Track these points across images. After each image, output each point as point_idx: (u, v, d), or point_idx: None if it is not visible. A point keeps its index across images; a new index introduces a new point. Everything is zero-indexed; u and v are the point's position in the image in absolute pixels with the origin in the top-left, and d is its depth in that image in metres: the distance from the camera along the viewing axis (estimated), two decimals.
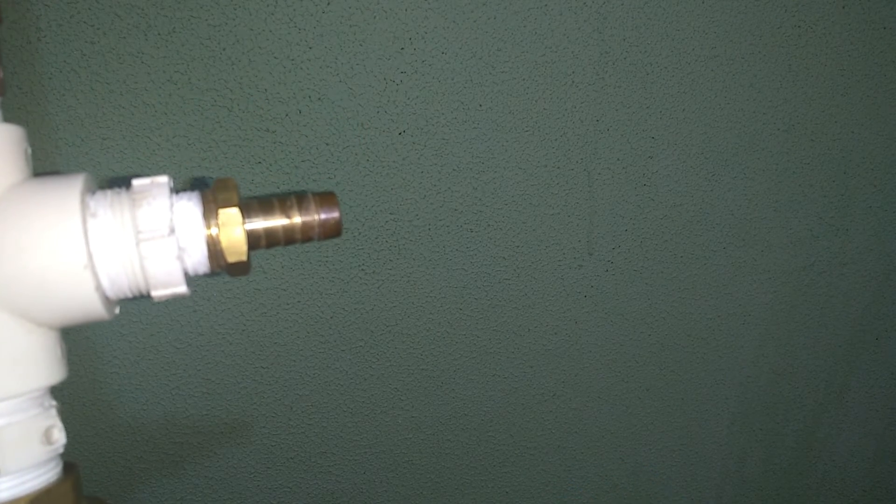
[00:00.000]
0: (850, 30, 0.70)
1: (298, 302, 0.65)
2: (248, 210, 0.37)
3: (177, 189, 0.37)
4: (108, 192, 0.35)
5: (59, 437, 0.35)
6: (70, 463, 0.37)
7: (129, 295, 0.35)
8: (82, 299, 0.33)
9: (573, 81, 0.65)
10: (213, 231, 0.35)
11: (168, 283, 0.35)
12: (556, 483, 0.81)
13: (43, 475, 0.35)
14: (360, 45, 0.59)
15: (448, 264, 0.68)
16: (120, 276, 0.34)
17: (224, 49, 0.56)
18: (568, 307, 0.73)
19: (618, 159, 0.69)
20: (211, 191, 0.36)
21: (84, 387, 0.62)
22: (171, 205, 0.35)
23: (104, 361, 0.62)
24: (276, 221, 0.37)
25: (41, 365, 0.34)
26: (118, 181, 0.39)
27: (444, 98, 0.62)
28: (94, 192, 0.35)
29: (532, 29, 0.62)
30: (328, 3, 0.57)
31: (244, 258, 0.36)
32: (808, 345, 0.83)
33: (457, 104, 0.63)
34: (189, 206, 0.35)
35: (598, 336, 0.76)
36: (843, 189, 0.77)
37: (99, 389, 0.63)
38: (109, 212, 0.34)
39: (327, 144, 0.61)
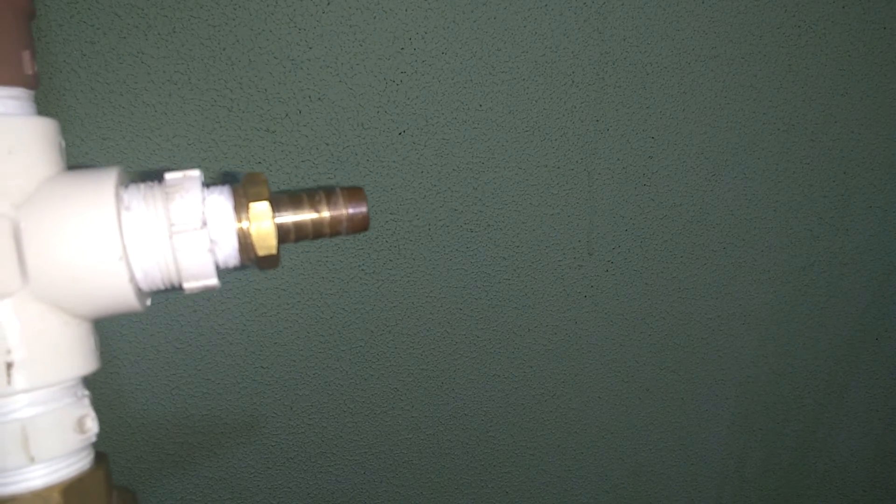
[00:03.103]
0: (850, 30, 0.70)
1: (298, 302, 0.65)
2: (277, 204, 0.38)
3: (206, 183, 0.38)
4: (141, 186, 0.36)
5: (92, 426, 0.36)
6: (100, 452, 0.38)
7: (162, 287, 0.36)
8: (116, 291, 0.34)
9: (573, 81, 0.65)
10: (244, 224, 0.36)
11: (200, 275, 0.36)
12: (556, 483, 0.81)
13: (76, 464, 0.35)
14: (360, 45, 0.59)
15: (448, 264, 0.68)
16: (153, 268, 0.35)
17: (224, 49, 0.56)
18: (568, 307, 0.73)
19: (618, 159, 0.69)
20: (241, 185, 0.37)
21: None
22: (203, 198, 0.36)
23: (104, 361, 0.62)
24: (306, 215, 0.38)
25: (75, 355, 0.35)
26: (150, 174, 0.40)
27: (444, 98, 0.62)
28: (127, 186, 0.36)
29: (532, 29, 0.62)
30: (328, 3, 0.57)
31: (274, 251, 0.37)
32: (808, 345, 0.83)
33: (457, 104, 0.63)
34: (220, 200, 0.36)
35: (598, 336, 0.76)
36: (843, 189, 0.77)
37: (99, 389, 0.63)
38: (143, 205, 0.35)
39: (327, 144, 0.61)
